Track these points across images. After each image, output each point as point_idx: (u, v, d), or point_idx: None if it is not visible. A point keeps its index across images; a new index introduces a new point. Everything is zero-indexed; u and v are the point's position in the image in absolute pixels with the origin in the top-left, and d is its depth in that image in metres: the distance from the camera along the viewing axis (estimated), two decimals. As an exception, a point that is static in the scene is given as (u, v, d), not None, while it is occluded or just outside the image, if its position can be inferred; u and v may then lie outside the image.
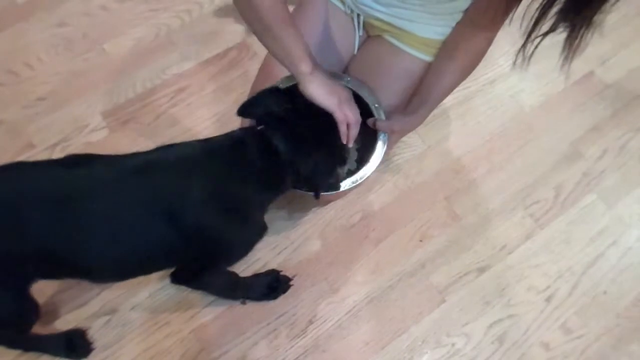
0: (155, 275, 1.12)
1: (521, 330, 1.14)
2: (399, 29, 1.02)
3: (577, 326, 1.15)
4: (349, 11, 1.08)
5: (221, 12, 1.52)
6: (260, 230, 0.91)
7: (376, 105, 1.03)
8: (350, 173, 1.01)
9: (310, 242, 1.21)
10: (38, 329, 1.00)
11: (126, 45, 1.46)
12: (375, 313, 1.14)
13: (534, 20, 0.71)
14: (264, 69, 1.11)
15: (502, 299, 1.17)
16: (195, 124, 1.34)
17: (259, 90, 0.91)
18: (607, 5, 0.65)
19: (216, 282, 1.05)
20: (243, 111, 0.90)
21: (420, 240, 1.22)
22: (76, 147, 1.30)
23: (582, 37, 0.70)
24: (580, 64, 1.49)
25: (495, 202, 1.28)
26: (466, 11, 0.93)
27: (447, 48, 1.00)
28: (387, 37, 1.06)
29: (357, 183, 0.99)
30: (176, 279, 0.95)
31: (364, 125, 1.04)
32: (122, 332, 1.09)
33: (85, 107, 1.36)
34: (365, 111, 1.04)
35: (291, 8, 1.11)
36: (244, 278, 1.11)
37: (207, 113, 1.36)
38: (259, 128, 0.85)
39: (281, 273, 1.15)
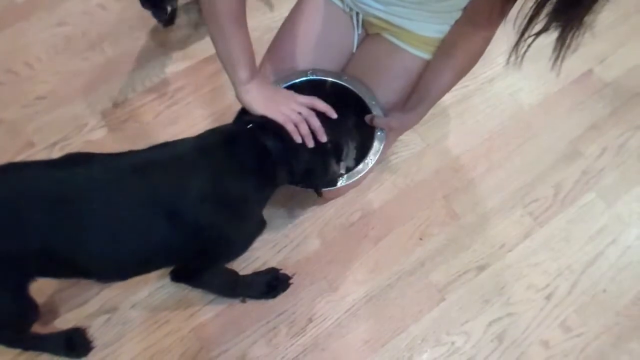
0: (155, 274, 1.12)
1: (520, 329, 1.14)
2: (398, 27, 1.02)
3: (577, 324, 1.15)
4: (347, 9, 1.08)
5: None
6: (259, 225, 0.92)
7: (373, 102, 1.04)
8: (349, 170, 1.02)
9: (309, 241, 1.21)
10: (38, 327, 1.00)
11: (125, 44, 1.46)
12: (375, 311, 1.14)
13: (527, 19, 0.72)
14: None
15: (501, 297, 1.17)
16: (194, 123, 1.35)
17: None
18: (598, 6, 0.66)
19: (216, 280, 1.05)
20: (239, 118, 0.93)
21: (420, 239, 1.22)
22: (76, 146, 1.30)
23: (573, 37, 0.71)
24: (579, 63, 1.49)
25: (494, 201, 1.28)
26: (464, 10, 0.93)
27: (445, 46, 1.00)
28: (386, 35, 1.06)
29: (355, 179, 1.00)
30: (176, 277, 0.96)
31: (361, 123, 1.04)
32: (122, 330, 1.09)
33: (85, 106, 1.36)
34: (362, 109, 1.04)
35: (291, 6, 1.12)
36: (244, 276, 1.11)
37: (206, 111, 1.36)
38: (248, 127, 0.86)
39: (281, 271, 1.15)
